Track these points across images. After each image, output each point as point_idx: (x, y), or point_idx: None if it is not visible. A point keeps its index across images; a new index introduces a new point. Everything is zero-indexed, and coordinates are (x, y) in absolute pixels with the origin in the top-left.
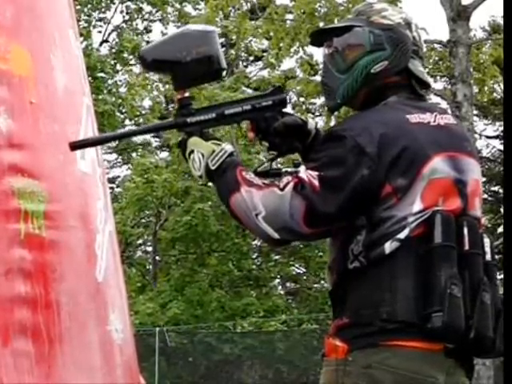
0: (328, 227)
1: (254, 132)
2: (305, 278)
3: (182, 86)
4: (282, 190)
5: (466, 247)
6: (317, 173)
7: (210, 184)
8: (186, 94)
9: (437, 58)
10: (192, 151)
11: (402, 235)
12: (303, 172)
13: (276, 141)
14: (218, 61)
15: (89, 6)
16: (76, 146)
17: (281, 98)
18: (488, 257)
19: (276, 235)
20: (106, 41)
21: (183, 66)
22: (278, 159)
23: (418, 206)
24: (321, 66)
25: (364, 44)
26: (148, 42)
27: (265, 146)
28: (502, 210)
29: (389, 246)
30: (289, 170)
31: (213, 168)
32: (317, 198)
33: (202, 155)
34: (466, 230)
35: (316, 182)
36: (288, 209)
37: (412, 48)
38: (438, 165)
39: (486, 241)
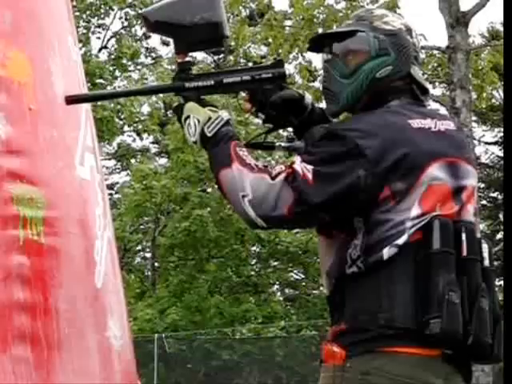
0: (310, 216)
1: (251, 103)
2: (304, 284)
3: (183, 49)
4: (273, 178)
5: (464, 253)
6: (312, 167)
7: (209, 190)
8: (187, 59)
9: (435, 64)
10: (188, 116)
11: (401, 241)
12: (298, 164)
13: (272, 114)
14: (221, 28)
15: (88, 12)
16: (72, 100)
17: (280, 71)
18: (486, 262)
19: (258, 220)
20: (105, 47)
21: (186, 29)
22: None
23: (415, 210)
24: (320, 73)
25: (369, 49)
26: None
27: (260, 118)
28: (500, 216)
29: (387, 252)
30: (282, 144)
31: (209, 135)
32: (308, 190)
33: (198, 121)
34: (464, 236)
35: (310, 176)
36: (274, 199)
37: (413, 54)
38: (437, 171)
39: (485, 246)
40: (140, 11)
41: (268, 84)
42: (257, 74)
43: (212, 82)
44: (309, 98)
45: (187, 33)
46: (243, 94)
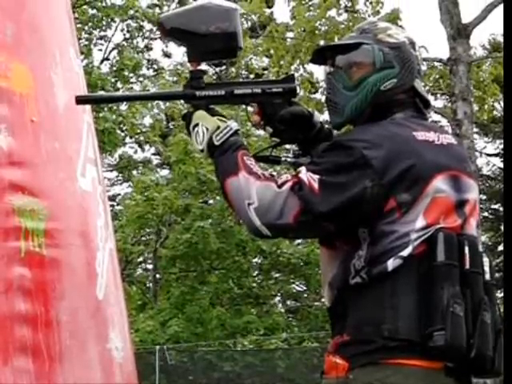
0: (315, 226)
1: (260, 116)
2: (305, 295)
3: (196, 58)
4: (279, 187)
5: (467, 266)
6: (318, 176)
7: (211, 202)
8: (200, 67)
9: (437, 76)
10: (197, 124)
11: (405, 253)
12: (304, 173)
13: (280, 128)
14: (236, 39)
15: (90, 24)
16: (82, 100)
17: (291, 86)
18: (487, 276)
19: (262, 228)
20: (107, 59)
21: (201, 38)
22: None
23: (420, 222)
24: (321, 84)
25: (374, 61)
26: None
27: (267, 132)
28: (502, 227)
29: (391, 263)
30: (288, 159)
31: (217, 144)
32: (314, 199)
33: (207, 129)
34: (466, 249)
35: (315, 185)
36: (280, 207)
37: (417, 67)
38: (441, 183)
39: (485, 260)
40: (141, 23)
41: (278, 98)
42: (267, 87)
43: (223, 92)
44: (318, 116)
45: (202, 41)
46: (245, 107)
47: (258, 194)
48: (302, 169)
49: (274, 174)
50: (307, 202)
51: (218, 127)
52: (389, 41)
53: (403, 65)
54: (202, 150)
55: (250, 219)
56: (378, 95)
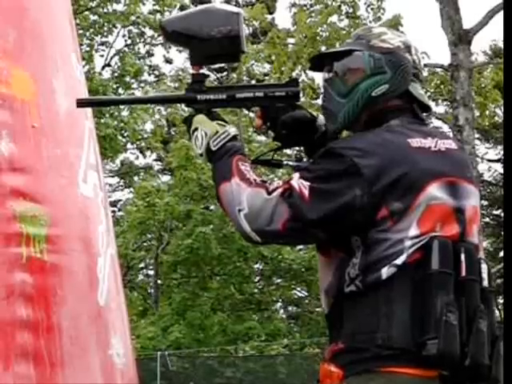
0: (305, 233)
1: (263, 120)
2: (307, 301)
3: (198, 61)
4: (269, 193)
5: (463, 274)
6: (309, 183)
7: (212, 207)
8: (202, 71)
9: (438, 82)
10: (196, 128)
11: (399, 261)
12: (295, 180)
13: (283, 132)
14: (238, 43)
15: (91, 30)
16: (82, 103)
17: (294, 90)
18: (485, 283)
19: (252, 234)
20: (108, 65)
21: (203, 41)
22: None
23: (414, 230)
24: (322, 90)
25: (364, 68)
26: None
27: (271, 136)
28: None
29: (386, 272)
30: (290, 163)
31: (213, 149)
32: (303, 206)
33: (206, 134)
34: (463, 257)
35: (306, 192)
36: (269, 214)
37: (412, 71)
38: (437, 191)
39: (484, 267)
40: (143, 29)
41: (280, 102)
42: (270, 91)
43: (224, 96)
44: (322, 120)
45: (204, 45)
46: (247, 113)
47: (248, 200)
48: (295, 175)
49: (276, 179)
50: (296, 208)
51: (217, 132)
52: (382, 46)
53: (396, 70)
54: (201, 155)
55: (241, 225)
56: (370, 101)
